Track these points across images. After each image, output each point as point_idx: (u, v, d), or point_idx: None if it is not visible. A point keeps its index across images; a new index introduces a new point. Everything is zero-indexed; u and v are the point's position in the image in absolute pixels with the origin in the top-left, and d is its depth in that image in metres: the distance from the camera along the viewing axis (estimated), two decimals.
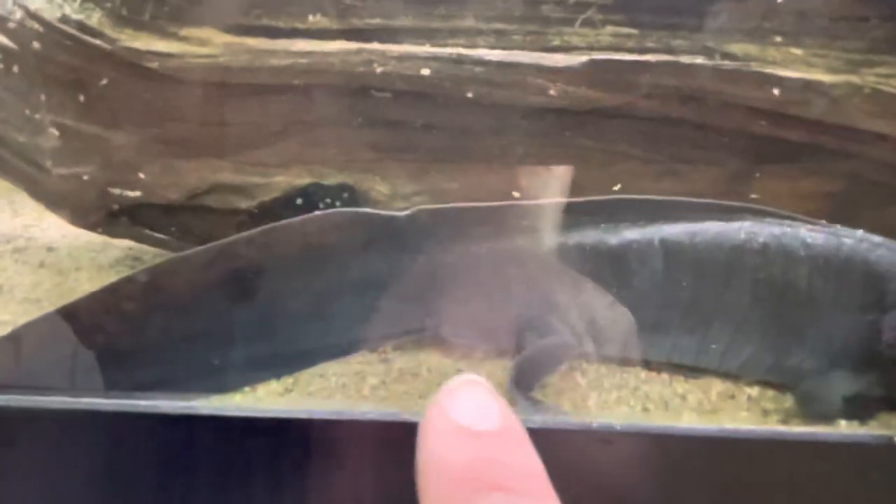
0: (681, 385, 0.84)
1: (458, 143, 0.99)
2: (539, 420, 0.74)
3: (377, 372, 0.87)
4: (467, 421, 0.31)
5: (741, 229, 0.79)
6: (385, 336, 0.86)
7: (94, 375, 0.75)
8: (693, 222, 0.79)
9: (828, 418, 0.74)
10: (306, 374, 0.85)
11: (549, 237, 0.82)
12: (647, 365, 0.86)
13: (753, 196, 0.95)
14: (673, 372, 0.85)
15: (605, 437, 0.71)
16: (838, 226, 0.80)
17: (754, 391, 0.83)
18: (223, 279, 0.80)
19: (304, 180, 1.00)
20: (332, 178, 1.01)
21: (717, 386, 0.83)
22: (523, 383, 0.77)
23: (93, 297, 0.77)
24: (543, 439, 0.68)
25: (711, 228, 0.79)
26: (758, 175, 0.96)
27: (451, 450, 0.31)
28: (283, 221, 0.81)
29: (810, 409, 0.76)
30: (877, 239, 0.77)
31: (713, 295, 0.78)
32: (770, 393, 0.82)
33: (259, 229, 0.80)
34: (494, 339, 0.84)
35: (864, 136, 0.92)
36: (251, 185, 1.00)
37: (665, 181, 0.97)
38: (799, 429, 0.77)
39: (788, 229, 0.79)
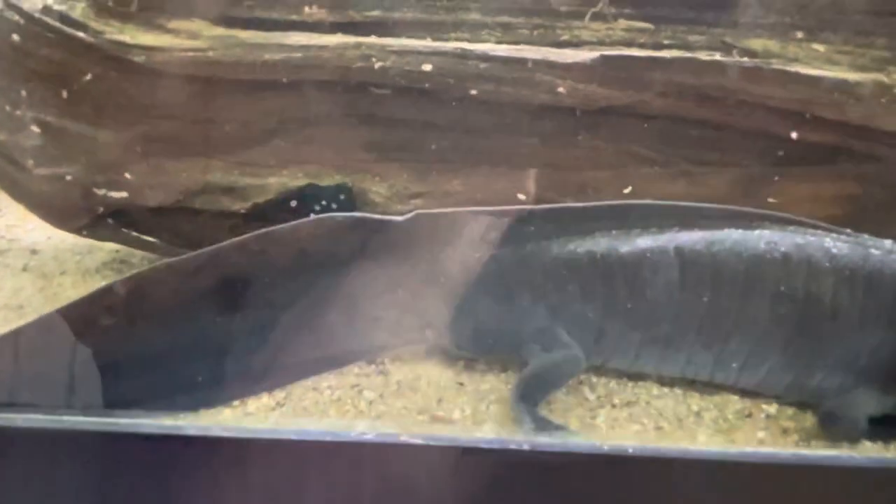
0: (695, 402, 0.79)
1: (461, 143, 0.94)
2: (545, 443, 0.70)
3: (374, 385, 0.83)
4: None
5: (761, 238, 0.74)
6: (382, 347, 0.82)
7: (71, 392, 0.71)
8: (710, 230, 0.75)
9: (852, 440, 0.70)
10: (299, 388, 0.81)
11: (557, 244, 0.77)
12: (661, 380, 0.82)
13: (772, 200, 0.90)
14: (687, 388, 0.81)
15: (616, 460, 0.67)
16: (865, 235, 0.75)
17: (773, 409, 0.78)
18: (212, 287, 0.76)
19: (300, 181, 0.95)
20: (328, 179, 0.96)
21: (734, 403, 0.79)
22: (529, 399, 0.72)
23: (72, 308, 0.72)
24: (549, 462, 0.65)
25: (730, 237, 0.74)
26: (777, 178, 0.91)
27: None
28: (276, 227, 0.76)
29: (833, 430, 0.71)
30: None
31: (731, 307, 0.73)
32: (789, 411, 0.78)
33: (251, 235, 0.76)
34: (497, 351, 0.80)
35: (892, 138, 0.88)
36: (244, 186, 0.95)
37: (679, 183, 0.92)
38: (822, 452, 0.73)
39: (812, 238, 0.74)
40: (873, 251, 0.73)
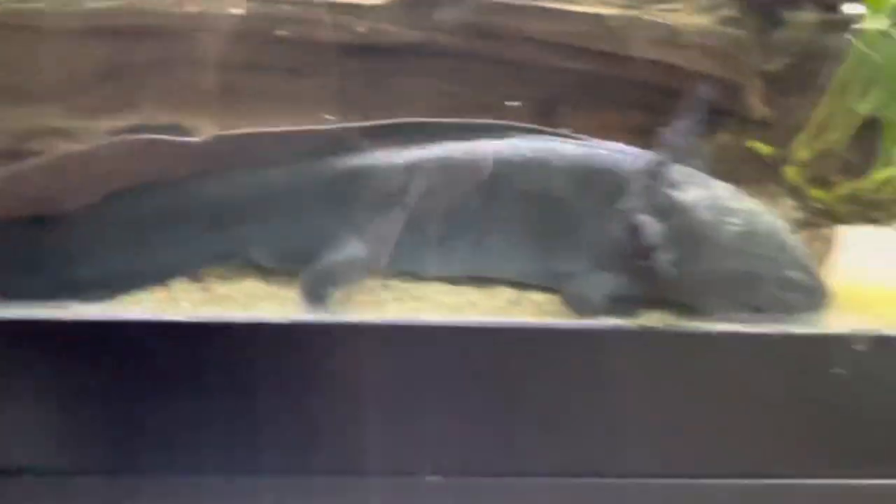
0: (474, 295, 0.90)
1: (283, 84, 1.03)
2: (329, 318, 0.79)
3: (193, 299, 0.90)
4: None
5: (508, 146, 0.84)
6: (197, 263, 0.89)
7: None
8: (467, 141, 0.85)
9: (592, 315, 0.80)
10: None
11: (344, 160, 0.86)
12: (451, 280, 0.91)
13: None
14: (470, 285, 0.91)
15: (389, 333, 0.77)
16: (595, 139, 0.86)
17: (540, 297, 0.88)
18: (12, 209, 0.80)
19: (131, 122, 1.03)
20: (161, 121, 1.04)
21: (507, 294, 0.89)
22: (314, 295, 0.81)
23: None
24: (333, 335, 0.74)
25: (485, 146, 0.85)
26: (564, 110, 1.03)
27: None
28: (76, 149, 0.83)
29: (577, 308, 0.82)
30: (629, 149, 0.84)
31: (489, 208, 0.83)
32: (556, 298, 0.89)
33: (51, 156, 0.81)
34: (297, 260, 0.88)
35: (648, 65, 1.00)
36: (77, 128, 1.02)
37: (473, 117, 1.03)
38: (552, 320, 0.83)
39: (549, 143, 0.85)
40: (601, 152, 0.84)
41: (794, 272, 0.77)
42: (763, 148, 1.01)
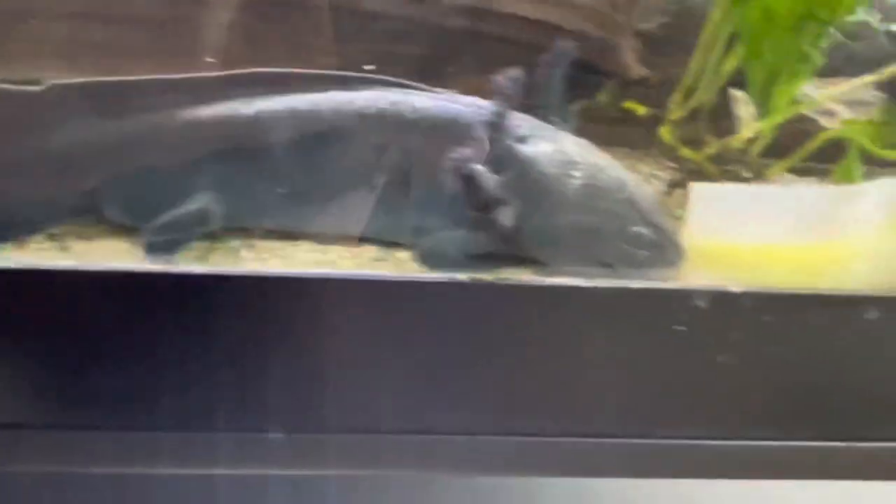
0: (337, 253, 0.89)
1: (153, 36, 1.00)
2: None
3: (55, 259, 0.88)
4: None
5: (361, 97, 0.83)
6: (51, 220, 0.86)
7: None
8: (320, 93, 0.83)
9: (448, 271, 0.80)
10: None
11: (190, 111, 0.83)
12: (319, 238, 0.90)
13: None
14: (340, 243, 0.90)
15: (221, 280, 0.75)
16: (454, 93, 0.85)
17: (405, 255, 0.88)
18: None
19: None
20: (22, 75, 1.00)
21: (372, 252, 0.88)
22: (158, 249, 0.80)
23: None
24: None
25: (338, 98, 0.83)
26: (451, 69, 1.01)
27: None
28: None
29: (431, 264, 0.81)
30: (485, 103, 0.81)
31: (342, 161, 0.82)
32: None
33: None
34: (151, 217, 0.85)
35: (524, 23, 0.98)
36: None
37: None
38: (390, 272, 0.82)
39: (403, 96, 0.83)
40: (453, 105, 0.82)
41: (642, 228, 0.77)
42: (639, 108, 1.01)
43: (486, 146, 0.75)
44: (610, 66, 1.02)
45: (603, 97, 1.04)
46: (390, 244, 0.88)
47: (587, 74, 1.03)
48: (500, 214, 0.75)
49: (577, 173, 0.77)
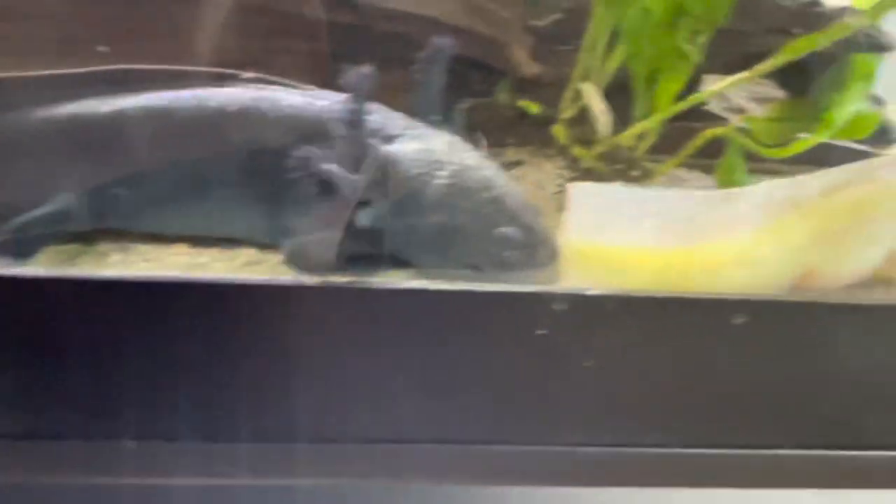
0: (210, 256, 0.86)
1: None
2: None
3: None
4: None
5: (222, 95, 0.80)
6: None
7: None
8: (183, 90, 0.80)
9: (319, 273, 0.77)
10: None
11: (51, 108, 0.80)
12: (196, 241, 0.86)
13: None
14: (210, 246, 0.86)
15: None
16: (323, 91, 0.82)
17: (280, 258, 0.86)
18: None
19: None
20: None
21: (247, 256, 0.86)
22: (11, 250, 0.76)
23: None
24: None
25: (197, 95, 0.80)
26: (337, 65, 0.99)
27: None
28: None
29: (300, 266, 0.78)
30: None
31: (204, 160, 0.79)
32: None
33: None
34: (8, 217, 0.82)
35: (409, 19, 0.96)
36: None
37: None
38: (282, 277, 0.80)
39: (269, 94, 0.80)
40: (319, 103, 0.80)
41: (511, 229, 0.75)
42: (532, 107, 0.99)
43: (345, 144, 0.73)
44: (502, 64, 1.00)
45: (501, 96, 1.02)
46: (267, 247, 0.86)
47: (481, 72, 1.02)
48: (359, 215, 0.73)
49: (441, 173, 0.75)
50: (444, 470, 0.73)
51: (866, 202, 0.81)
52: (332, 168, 0.72)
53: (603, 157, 0.95)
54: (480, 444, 0.72)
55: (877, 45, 0.93)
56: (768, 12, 0.96)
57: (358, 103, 0.74)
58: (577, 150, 0.95)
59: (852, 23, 0.82)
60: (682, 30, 0.84)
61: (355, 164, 0.73)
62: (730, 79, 0.90)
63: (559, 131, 0.97)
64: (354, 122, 0.74)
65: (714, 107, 1.27)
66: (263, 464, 0.73)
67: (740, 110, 1.33)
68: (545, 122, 1.00)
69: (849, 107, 0.85)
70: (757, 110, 1.34)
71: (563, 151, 0.98)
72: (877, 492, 0.79)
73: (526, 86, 1.02)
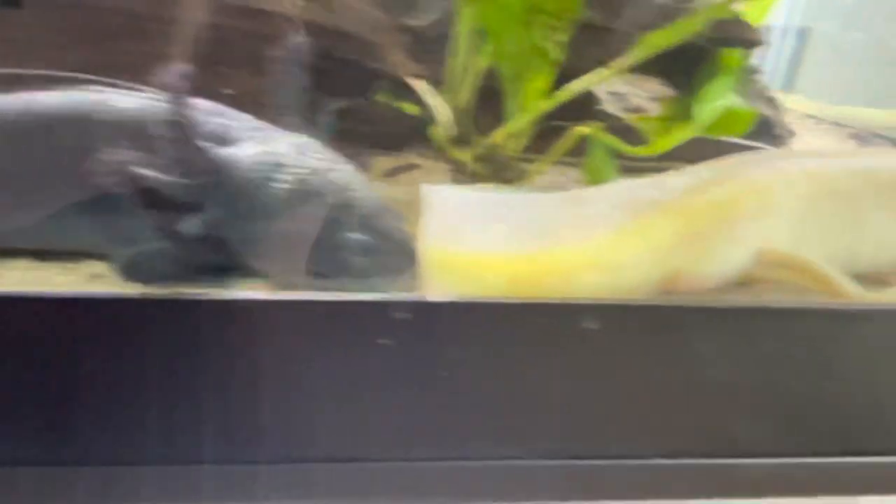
0: (56, 270, 0.81)
1: None
2: None
3: None
4: None
5: (53, 98, 0.75)
6: None
7: None
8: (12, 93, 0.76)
9: (152, 283, 0.73)
10: None
11: None
12: (39, 255, 0.82)
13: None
14: (61, 259, 0.82)
15: None
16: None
17: None
18: None
19: None
20: None
21: (94, 268, 0.81)
22: None
23: None
24: None
25: (25, 98, 0.75)
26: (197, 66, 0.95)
27: None
28: None
29: (132, 281, 0.74)
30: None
31: (35, 169, 0.74)
32: None
33: None
34: None
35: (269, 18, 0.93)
36: None
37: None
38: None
39: (98, 97, 0.76)
40: (158, 104, 0.73)
41: (361, 234, 0.72)
42: (411, 108, 0.96)
43: (170, 147, 0.69)
44: (376, 64, 0.96)
45: (380, 96, 0.99)
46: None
47: (358, 73, 0.98)
48: (183, 223, 0.68)
49: (284, 177, 0.71)
50: (283, 487, 0.70)
51: (732, 201, 0.80)
52: (146, 173, 0.67)
53: (481, 158, 0.92)
54: (323, 462, 0.69)
55: (743, 41, 0.92)
56: (640, 9, 0.94)
57: (178, 104, 0.70)
58: (453, 152, 0.92)
59: (702, 15, 0.79)
60: (539, 27, 0.81)
61: (184, 168, 0.69)
62: (587, 76, 0.87)
63: (437, 132, 0.94)
64: (179, 123, 0.70)
65: (610, 106, 1.26)
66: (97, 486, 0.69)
67: (637, 109, 1.32)
68: (421, 124, 0.97)
69: (712, 102, 0.83)
70: (656, 110, 1.32)
71: (441, 153, 0.95)
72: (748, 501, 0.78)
73: (404, 87, 0.99)
